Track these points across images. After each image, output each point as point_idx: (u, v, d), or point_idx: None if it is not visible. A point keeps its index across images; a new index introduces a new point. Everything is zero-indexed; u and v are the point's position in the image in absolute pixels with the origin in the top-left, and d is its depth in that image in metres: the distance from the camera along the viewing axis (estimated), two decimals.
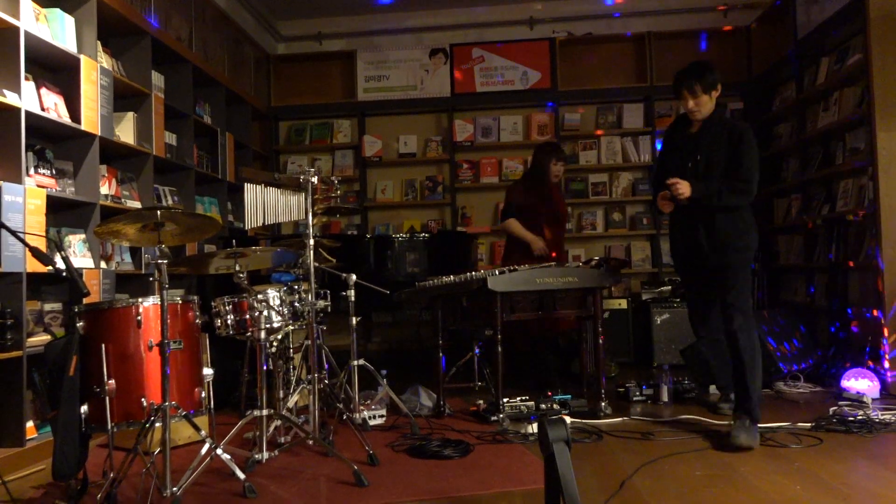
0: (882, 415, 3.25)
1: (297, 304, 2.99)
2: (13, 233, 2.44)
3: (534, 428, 3.16)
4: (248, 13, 6.05)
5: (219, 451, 2.49)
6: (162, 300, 2.40)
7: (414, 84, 6.37)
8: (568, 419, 3.22)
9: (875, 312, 4.12)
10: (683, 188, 3.09)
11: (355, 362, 3.50)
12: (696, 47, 6.19)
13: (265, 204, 3.11)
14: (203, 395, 2.61)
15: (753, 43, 6.04)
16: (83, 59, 3.53)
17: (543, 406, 3.51)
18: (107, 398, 2.35)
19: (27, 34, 3.13)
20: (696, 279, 3.35)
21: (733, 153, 3.12)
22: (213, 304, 2.92)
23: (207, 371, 2.64)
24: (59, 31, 3.44)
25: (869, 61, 4.07)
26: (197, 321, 2.64)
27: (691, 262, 3.28)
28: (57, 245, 2.49)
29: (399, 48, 6.40)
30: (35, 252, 2.32)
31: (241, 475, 2.47)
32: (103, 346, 2.39)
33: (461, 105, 6.37)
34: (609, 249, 6.26)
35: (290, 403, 3.19)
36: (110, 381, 2.36)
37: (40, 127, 3.34)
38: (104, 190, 3.78)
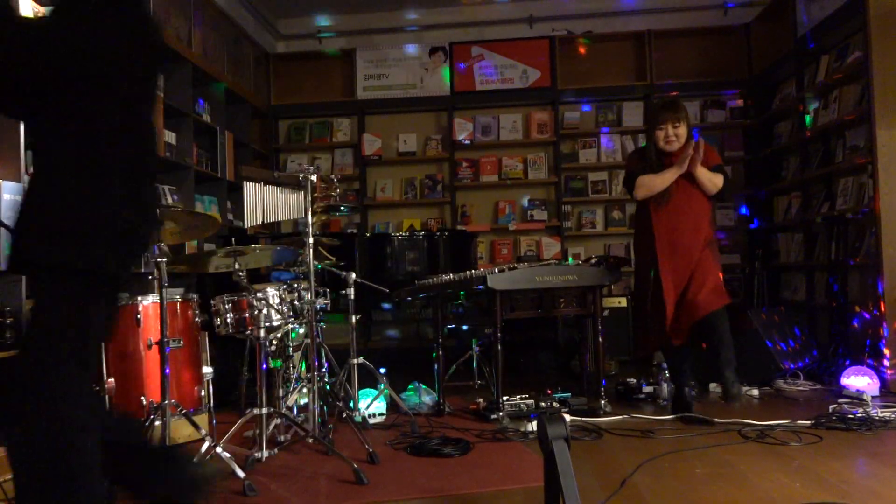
0: (882, 412, 3.25)
1: (296, 302, 2.99)
2: (12, 231, 2.43)
3: (533, 426, 3.16)
4: (248, 12, 6.05)
5: (218, 450, 2.49)
6: (161, 299, 2.40)
7: (413, 82, 6.37)
8: (568, 417, 3.22)
9: (875, 310, 4.12)
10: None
11: (355, 360, 3.51)
12: (696, 45, 6.18)
13: (265, 202, 3.11)
14: (203, 393, 2.61)
15: (753, 41, 6.03)
16: None
17: (543, 404, 3.51)
18: (106, 396, 2.35)
19: None
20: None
21: None
22: (212, 302, 2.91)
23: (207, 369, 2.64)
24: None
25: (869, 59, 4.07)
26: (196, 320, 2.65)
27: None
28: None
29: (398, 46, 6.40)
30: None
31: (241, 473, 2.47)
32: (103, 344, 2.38)
33: (461, 103, 6.37)
34: (609, 247, 6.26)
35: (290, 402, 3.19)
36: (110, 380, 2.37)
37: None
38: None
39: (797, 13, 5.06)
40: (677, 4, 6.25)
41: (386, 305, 5.69)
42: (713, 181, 3.53)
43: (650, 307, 3.52)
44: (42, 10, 3.37)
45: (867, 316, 4.25)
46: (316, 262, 3.08)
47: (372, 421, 3.49)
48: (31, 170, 3.19)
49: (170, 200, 4.50)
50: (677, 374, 3.62)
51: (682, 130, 3.54)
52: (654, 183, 3.57)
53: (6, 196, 2.92)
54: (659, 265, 3.49)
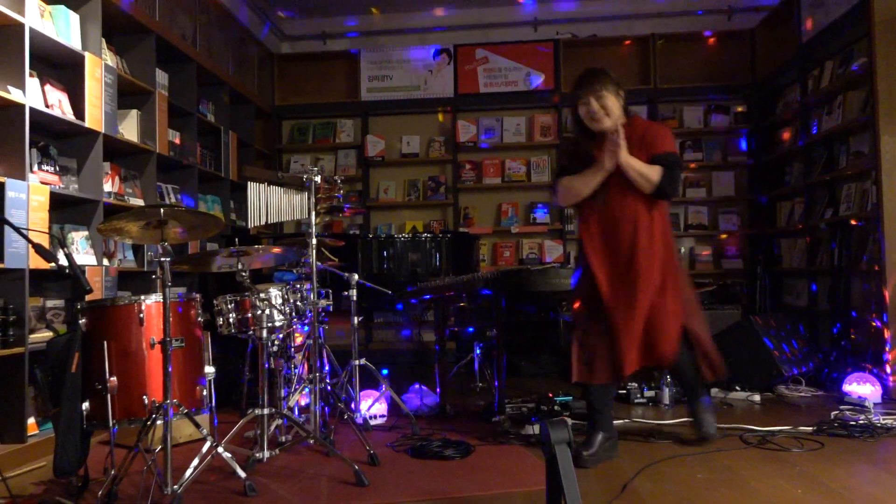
0: (884, 419, 3.24)
1: (299, 303, 2.99)
2: (17, 229, 2.44)
3: (535, 429, 3.16)
4: (253, 12, 6.05)
5: (220, 450, 2.48)
6: (164, 297, 2.40)
7: (417, 84, 6.37)
8: (570, 421, 3.21)
9: (878, 317, 4.12)
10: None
11: (356, 362, 3.51)
12: (700, 49, 6.18)
13: (268, 203, 3.12)
14: (204, 393, 2.61)
15: (757, 46, 6.03)
16: (87, 56, 3.53)
17: (545, 407, 3.51)
18: (108, 395, 2.35)
19: (32, 31, 3.13)
20: None
21: None
22: (215, 302, 2.92)
23: (209, 369, 2.64)
24: (64, 28, 3.44)
25: (873, 65, 4.06)
26: (199, 319, 2.64)
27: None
28: (60, 242, 2.49)
29: (403, 48, 6.40)
30: (38, 248, 2.32)
31: (242, 474, 2.47)
32: (105, 343, 2.38)
33: (464, 105, 6.37)
34: None
35: (292, 402, 3.19)
36: (112, 379, 2.36)
37: (44, 124, 3.35)
38: (107, 187, 3.79)
39: (801, 19, 5.06)
40: (682, 9, 6.25)
41: (388, 307, 5.69)
42: (645, 175, 2.70)
43: (593, 335, 2.80)
44: (48, 9, 3.38)
45: (870, 322, 4.24)
46: (318, 262, 3.08)
47: (373, 422, 3.49)
48: (35, 168, 3.20)
49: (173, 200, 4.51)
50: (597, 414, 2.82)
51: (611, 102, 2.78)
52: (573, 187, 2.84)
53: (10, 194, 2.93)
54: (601, 291, 2.76)
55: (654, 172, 2.72)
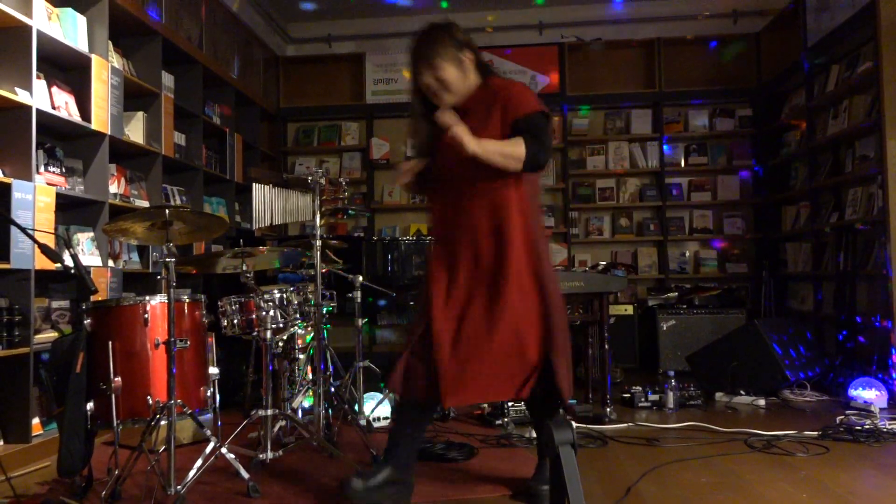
0: (890, 424, 3.22)
1: (303, 304, 2.99)
2: (23, 229, 2.45)
3: None
4: (259, 15, 6.07)
5: (223, 451, 2.49)
6: (169, 298, 2.40)
7: None
8: (573, 424, 3.21)
9: (884, 321, 4.10)
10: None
11: (360, 363, 3.50)
12: (705, 53, 6.18)
13: (273, 204, 3.12)
14: (209, 394, 2.62)
15: (763, 50, 6.02)
16: (94, 58, 3.55)
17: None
18: (113, 395, 2.35)
19: (39, 33, 3.15)
20: None
21: None
22: (219, 303, 2.92)
23: (213, 370, 2.64)
24: (71, 30, 3.46)
25: (880, 69, 4.05)
26: (204, 320, 2.65)
27: None
28: (66, 242, 2.50)
29: (408, 51, 6.39)
30: (44, 249, 2.33)
31: (246, 474, 2.47)
32: (110, 343, 2.39)
33: None
34: (616, 255, 6.25)
35: (296, 404, 3.19)
36: (116, 379, 2.37)
37: (51, 125, 3.36)
38: (113, 189, 3.80)
39: (807, 22, 5.05)
40: (687, 12, 6.25)
41: (392, 309, 5.68)
42: (508, 154, 2.14)
43: (419, 345, 2.23)
44: (56, 11, 3.40)
45: (875, 327, 4.23)
46: (324, 265, 3.09)
47: (376, 424, 3.49)
48: (42, 169, 3.22)
49: (178, 201, 4.52)
50: (397, 445, 2.33)
51: (449, 73, 2.23)
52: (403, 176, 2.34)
53: (17, 195, 2.94)
54: (431, 291, 2.24)
55: (517, 147, 2.14)
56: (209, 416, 3.04)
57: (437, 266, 2.28)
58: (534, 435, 3.16)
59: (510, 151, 2.14)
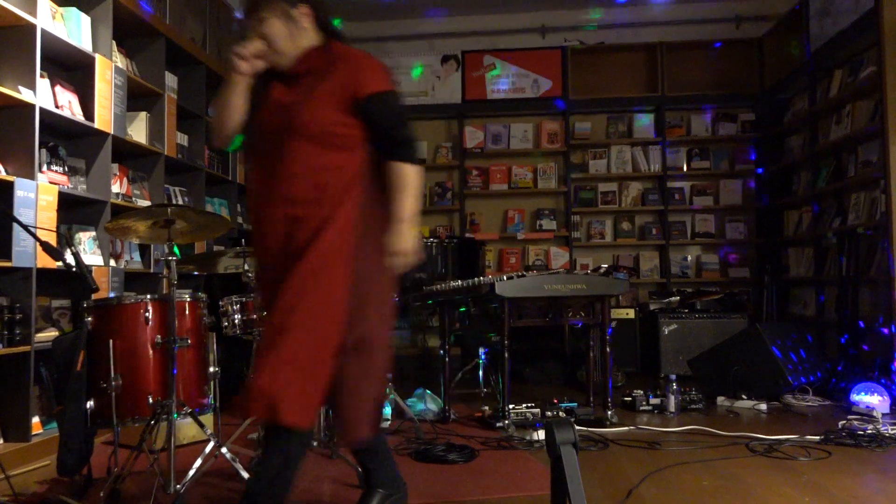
0: (892, 429, 3.21)
1: None
2: (25, 227, 2.45)
3: (539, 435, 3.14)
4: None
5: (223, 450, 2.48)
6: (171, 297, 2.40)
7: (425, 90, 6.39)
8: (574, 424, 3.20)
9: (886, 326, 4.09)
10: None
11: None
12: (708, 58, 6.18)
13: None
14: (209, 393, 2.61)
15: (766, 54, 6.03)
16: (98, 58, 3.56)
17: (549, 413, 3.50)
18: (113, 394, 2.35)
19: (43, 32, 3.15)
20: None
21: None
22: (220, 303, 2.92)
23: (214, 370, 2.64)
24: (75, 29, 3.47)
25: (882, 74, 4.05)
26: (204, 320, 2.64)
27: None
28: (67, 241, 2.50)
29: (410, 54, 6.42)
30: (46, 247, 2.33)
31: (246, 474, 2.47)
32: (111, 342, 2.39)
33: (472, 112, 6.38)
34: (617, 258, 6.25)
35: None
36: (117, 378, 2.36)
37: (54, 124, 3.37)
38: (115, 188, 3.80)
39: (810, 27, 5.05)
40: (690, 17, 6.25)
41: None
42: (415, 193, 1.92)
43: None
44: (60, 11, 3.41)
45: (878, 332, 4.21)
46: None
47: None
48: (44, 168, 3.22)
49: (180, 202, 4.52)
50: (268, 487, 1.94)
51: (273, 27, 1.89)
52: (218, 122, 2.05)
53: (19, 193, 2.94)
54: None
55: (407, 176, 1.87)
56: (209, 415, 3.03)
57: (259, 267, 1.96)
58: (535, 437, 3.16)
59: (412, 187, 1.88)
